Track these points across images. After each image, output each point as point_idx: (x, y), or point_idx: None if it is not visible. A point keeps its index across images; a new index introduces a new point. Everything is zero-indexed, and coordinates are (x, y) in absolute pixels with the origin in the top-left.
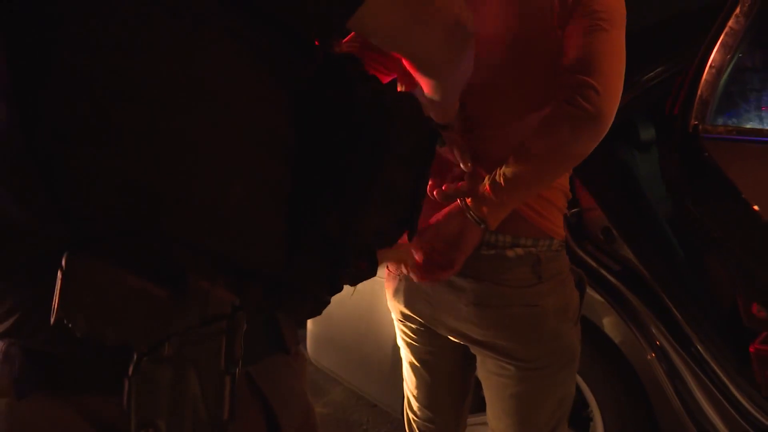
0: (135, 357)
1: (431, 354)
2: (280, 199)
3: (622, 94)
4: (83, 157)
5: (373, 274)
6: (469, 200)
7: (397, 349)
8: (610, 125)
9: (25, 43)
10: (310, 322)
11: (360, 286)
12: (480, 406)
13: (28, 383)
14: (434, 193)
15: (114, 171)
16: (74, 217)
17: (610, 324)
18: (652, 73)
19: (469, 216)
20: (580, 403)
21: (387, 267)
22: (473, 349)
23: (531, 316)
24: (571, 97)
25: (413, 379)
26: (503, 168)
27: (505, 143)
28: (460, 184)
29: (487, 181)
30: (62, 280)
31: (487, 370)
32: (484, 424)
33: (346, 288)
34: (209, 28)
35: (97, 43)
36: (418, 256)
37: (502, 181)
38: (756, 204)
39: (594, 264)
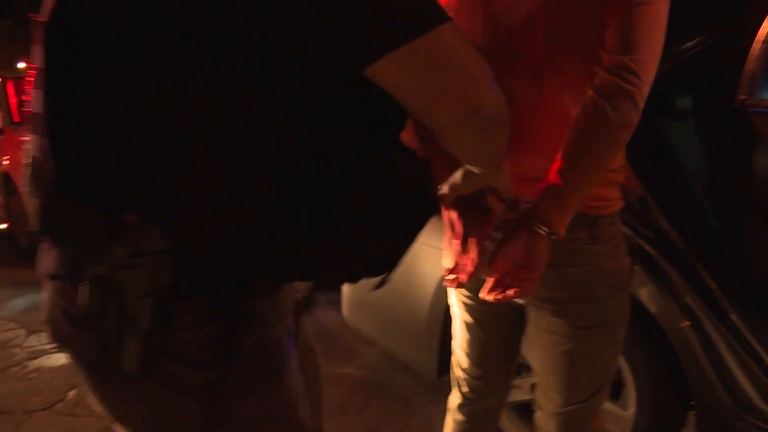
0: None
1: (487, 313)
2: (257, 208)
3: (660, 64)
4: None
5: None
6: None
7: (433, 311)
8: (645, 98)
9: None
10: (345, 285)
11: None
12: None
13: None
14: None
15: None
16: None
17: (644, 292)
18: (689, 44)
19: (536, 229)
20: None
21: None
22: (529, 308)
23: (586, 275)
24: (608, 78)
25: (466, 336)
26: (558, 167)
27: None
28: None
29: (544, 187)
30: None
31: (539, 327)
32: (517, 387)
33: None
34: (228, 71)
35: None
36: (490, 282)
37: (560, 180)
38: None
39: (630, 232)
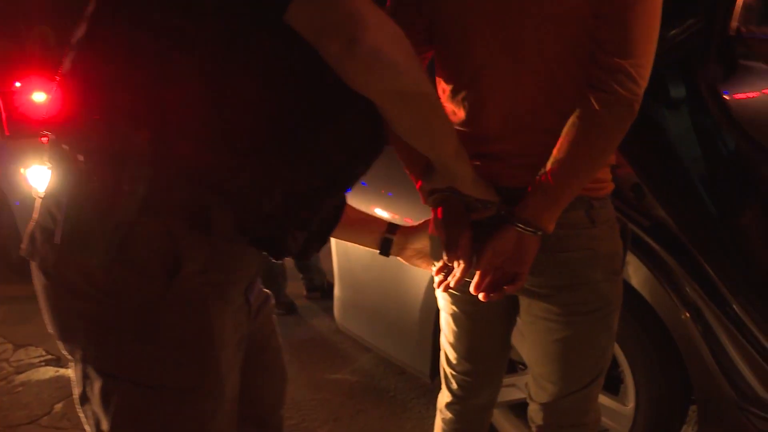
0: None
1: (476, 304)
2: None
3: None
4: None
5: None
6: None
7: (424, 312)
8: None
9: None
10: (337, 288)
11: None
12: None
13: None
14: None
15: None
16: None
17: (641, 281)
18: (680, 28)
19: (520, 229)
20: (611, 363)
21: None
22: (522, 296)
23: (584, 260)
24: (606, 83)
25: (454, 329)
26: (549, 167)
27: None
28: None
29: (534, 186)
30: None
31: (533, 315)
32: (513, 385)
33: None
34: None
35: None
36: (480, 277)
37: (552, 180)
38: None
39: (624, 220)
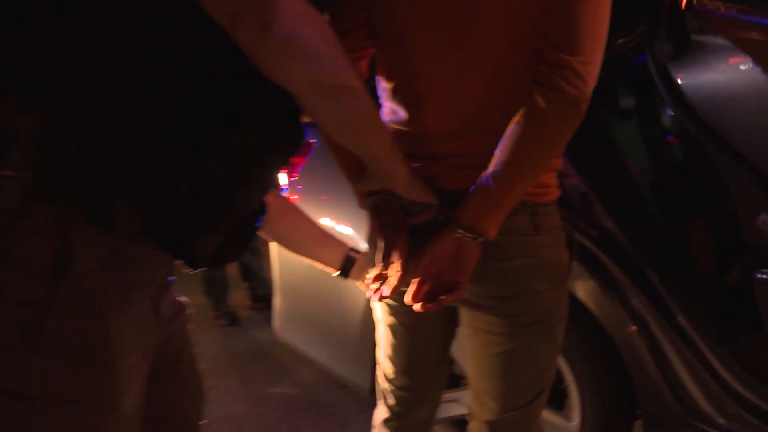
0: None
1: (414, 315)
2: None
3: None
4: None
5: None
6: (458, 218)
7: (365, 323)
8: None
9: None
10: (278, 300)
11: None
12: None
13: None
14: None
15: None
16: None
17: (587, 293)
18: (631, 36)
19: (460, 235)
20: (556, 377)
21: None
22: (463, 307)
23: (527, 268)
24: (552, 80)
25: (392, 341)
26: (491, 168)
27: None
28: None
29: (474, 189)
30: None
31: (474, 327)
32: (455, 401)
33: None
34: None
35: None
36: (417, 286)
37: (492, 181)
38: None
39: (570, 228)
